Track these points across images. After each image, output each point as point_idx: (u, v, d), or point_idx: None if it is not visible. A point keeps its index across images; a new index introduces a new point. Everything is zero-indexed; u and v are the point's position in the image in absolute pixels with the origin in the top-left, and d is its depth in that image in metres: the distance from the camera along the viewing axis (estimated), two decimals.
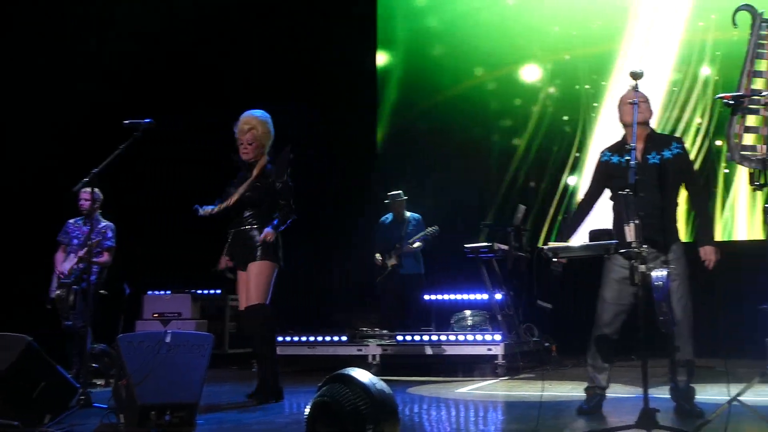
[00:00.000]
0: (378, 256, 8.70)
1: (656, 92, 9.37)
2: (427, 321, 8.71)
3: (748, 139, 4.12)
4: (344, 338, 7.89)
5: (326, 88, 10.29)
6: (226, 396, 5.76)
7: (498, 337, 7.38)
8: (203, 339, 4.45)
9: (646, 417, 3.59)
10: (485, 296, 8.29)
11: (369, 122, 10.79)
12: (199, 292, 9.33)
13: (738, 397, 3.83)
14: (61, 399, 4.47)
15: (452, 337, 7.58)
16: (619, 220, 4.41)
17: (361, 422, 3.16)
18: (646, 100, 4.60)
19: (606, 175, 4.74)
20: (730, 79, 8.86)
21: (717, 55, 9.23)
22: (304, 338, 7.95)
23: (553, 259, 4.03)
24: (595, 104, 9.75)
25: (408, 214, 8.86)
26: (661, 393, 4.59)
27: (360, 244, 9.62)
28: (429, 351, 7.60)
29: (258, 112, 5.62)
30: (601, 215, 4.84)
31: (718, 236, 9.09)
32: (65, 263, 7.11)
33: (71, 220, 7.27)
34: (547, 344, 8.22)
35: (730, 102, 4.07)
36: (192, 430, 4.14)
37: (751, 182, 4.04)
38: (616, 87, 9.42)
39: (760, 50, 4.21)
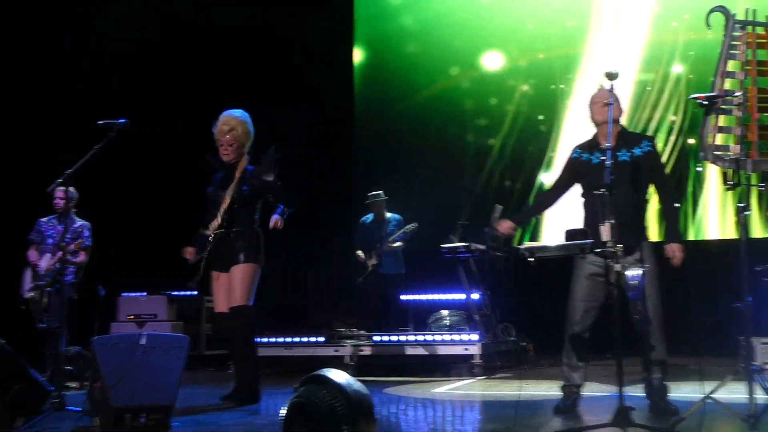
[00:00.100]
0: (360, 252, 8.70)
1: (629, 91, 9.47)
2: (405, 321, 8.71)
3: (721, 139, 4.16)
4: (321, 339, 7.88)
5: (305, 88, 10.26)
6: (203, 398, 5.72)
7: (475, 337, 7.40)
8: (179, 341, 4.42)
9: (622, 415, 3.62)
10: (462, 296, 8.31)
11: (347, 122, 10.79)
12: (175, 293, 9.26)
13: (712, 395, 3.86)
14: (34, 402, 4.42)
15: (429, 338, 7.59)
16: (591, 217, 4.45)
17: (337, 423, 3.15)
18: (617, 99, 4.63)
19: (575, 172, 4.78)
20: (704, 78, 9.03)
21: (690, 55, 9.34)
22: (281, 339, 7.92)
23: (529, 259, 4.04)
24: (569, 103, 9.81)
25: (388, 214, 8.88)
26: (636, 391, 4.62)
27: (339, 244, 9.60)
28: (406, 351, 7.60)
29: (237, 112, 5.58)
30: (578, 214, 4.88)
31: (692, 235, 9.21)
32: (41, 262, 7.02)
33: (43, 219, 7.18)
34: (524, 344, 8.25)
35: (704, 102, 4.10)
36: None
37: (725, 182, 4.08)
38: (589, 86, 9.49)
39: (732, 51, 4.26)
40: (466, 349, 7.39)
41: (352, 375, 3.45)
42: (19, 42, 9.63)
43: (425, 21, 10.67)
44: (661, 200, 4.76)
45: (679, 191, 9.25)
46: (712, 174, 9.04)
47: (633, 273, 3.95)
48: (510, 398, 5.30)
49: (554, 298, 4.74)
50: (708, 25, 4.27)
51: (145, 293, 9.12)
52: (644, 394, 4.62)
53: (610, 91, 4.19)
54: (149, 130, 7.71)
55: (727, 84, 4.19)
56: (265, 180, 5.46)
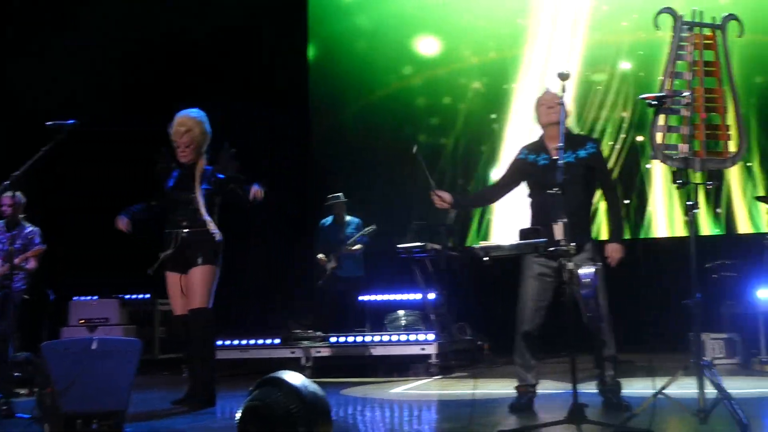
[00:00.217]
0: (321, 256, 8.67)
1: (579, 91, 9.61)
2: (362, 322, 8.71)
3: (670, 138, 4.24)
4: (277, 341, 7.83)
5: (259, 88, 10.19)
6: (157, 403, 5.64)
7: (431, 336, 7.43)
8: (131, 345, 4.36)
9: (576, 412, 3.66)
10: (418, 296, 8.33)
11: (302, 122, 10.74)
12: (127, 296, 9.13)
13: (663, 390, 3.92)
14: None
15: (386, 338, 7.59)
16: (539, 217, 4.49)
17: (292, 425, 3.13)
18: (561, 102, 4.69)
19: (521, 173, 4.83)
20: (654, 76, 9.19)
21: (639, 54, 9.51)
22: (236, 341, 7.86)
23: (484, 258, 4.06)
24: (521, 102, 9.89)
25: (348, 217, 8.87)
26: (589, 388, 4.68)
27: (296, 246, 9.55)
28: (362, 352, 7.60)
29: (193, 113, 5.49)
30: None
31: (642, 233, 9.38)
32: None
33: None
34: (479, 343, 8.31)
35: (653, 102, 4.17)
36: None
37: (674, 180, 4.15)
38: (541, 85, 9.60)
39: (680, 52, 4.34)
40: (423, 349, 7.41)
41: (309, 377, 3.43)
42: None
43: (378, 20, 10.67)
44: (605, 201, 4.84)
45: (629, 189, 9.42)
46: (661, 172, 9.21)
47: (586, 271, 3.99)
48: (466, 397, 5.32)
49: (509, 297, 4.78)
50: (656, 26, 4.34)
51: (96, 297, 8.97)
52: (597, 391, 4.68)
53: (562, 90, 4.23)
54: (99, 130, 7.58)
55: (676, 84, 4.26)
56: (226, 175, 5.42)
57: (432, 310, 7.98)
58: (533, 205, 4.77)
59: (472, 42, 10.22)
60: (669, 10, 4.38)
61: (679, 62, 4.31)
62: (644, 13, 8.91)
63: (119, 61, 10.03)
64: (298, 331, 8.02)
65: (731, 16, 4.41)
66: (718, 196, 9.17)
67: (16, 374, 6.09)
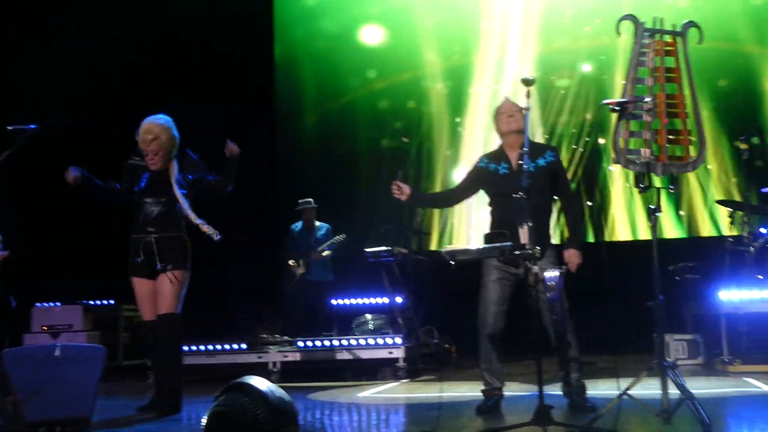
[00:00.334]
0: (292, 261, 8.67)
1: (542, 94, 9.72)
2: (330, 326, 8.70)
3: (632, 143, 4.30)
4: (244, 346, 7.79)
5: (226, 92, 10.14)
6: (122, 409, 5.58)
7: (399, 340, 7.44)
8: (95, 351, 4.33)
9: (542, 414, 3.70)
10: (386, 300, 8.34)
11: (269, 126, 10.70)
12: (91, 302, 9.01)
13: (627, 391, 3.98)
14: None
15: (353, 342, 7.59)
16: (500, 224, 4.53)
17: (259, 430, 3.12)
18: (520, 110, 4.74)
19: (480, 180, 4.88)
20: (616, 80, 9.34)
21: (602, 59, 9.65)
22: (203, 347, 7.79)
23: (450, 262, 4.09)
24: (485, 106, 9.96)
25: (318, 222, 8.89)
26: (555, 390, 4.72)
27: (263, 250, 9.51)
28: (330, 356, 7.58)
29: (160, 119, 5.42)
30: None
31: (606, 236, 9.49)
32: None
33: None
34: (446, 346, 8.34)
35: (616, 108, 4.23)
36: None
37: (636, 185, 4.21)
38: (504, 87, 9.69)
39: (642, 58, 4.40)
40: (390, 353, 7.42)
41: (276, 381, 3.43)
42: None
43: (343, 23, 10.68)
44: (564, 207, 4.89)
45: (592, 191, 9.55)
46: (624, 174, 9.34)
47: (551, 274, 4.04)
48: (433, 400, 5.34)
49: (476, 301, 4.81)
50: (618, 32, 4.40)
51: (59, 303, 8.84)
52: (562, 393, 4.73)
53: (527, 96, 4.27)
54: (60, 133, 7.49)
55: (638, 89, 4.32)
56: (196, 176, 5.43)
57: (399, 314, 8.00)
58: (493, 213, 4.82)
59: (437, 46, 10.27)
60: (631, 17, 4.44)
61: (640, 68, 4.37)
62: (607, 18, 9.05)
63: (90, 61, 9.94)
64: (265, 336, 7.99)
65: (691, 23, 4.48)
66: (679, 200, 9.33)
67: None
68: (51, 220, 9.54)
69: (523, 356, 7.17)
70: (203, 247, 5.52)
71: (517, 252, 3.86)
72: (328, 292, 8.86)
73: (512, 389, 5.37)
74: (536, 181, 4.45)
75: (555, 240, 5.14)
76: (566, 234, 5.05)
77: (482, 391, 4.83)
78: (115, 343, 8.91)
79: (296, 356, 7.64)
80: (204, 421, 3.29)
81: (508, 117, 4.77)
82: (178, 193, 5.32)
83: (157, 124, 5.38)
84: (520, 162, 4.58)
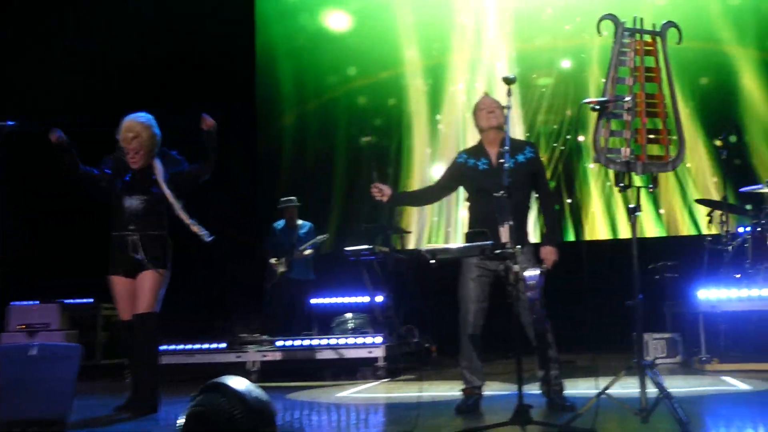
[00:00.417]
0: (273, 260, 8.64)
1: (523, 93, 9.75)
2: (309, 326, 8.68)
3: (613, 142, 4.30)
4: (223, 345, 7.74)
5: (207, 90, 10.07)
6: (99, 409, 5.52)
7: (379, 339, 7.42)
8: (71, 350, 4.29)
9: (521, 413, 3.70)
10: (366, 299, 8.32)
11: (250, 125, 10.66)
12: (69, 301, 8.93)
13: (606, 390, 3.99)
14: None
15: (333, 341, 7.57)
16: (479, 221, 4.53)
17: (237, 430, 3.10)
18: (500, 106, 4.75)
19: (460, 177, 4.88)
20: (595, 78, 9.38)
21: (582, 57, 9.69)
22: (181, 346, 7.74)
23: (431, 261, 4.08)
24: (466, 104, 9.98)
25: (300, 221, 8.86)
26: (534, 389, 4.73)
27: (243, 249, 9.47)
28: (310, 356, 7.55)
29: (141, 117, 5.36)
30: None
31: (586, 235, 9.54)
32: None
33: None
34: (427, 345, 8.34)
35: (596, 107, 4.23)
36: None
37: (617, 184, 4.22)
38: (485, 86, 9.71)
39: (622, 57, 4.40)
40: (370, 352, 7.40)
41: (255, 381, 3.41)
42: None
43: (323, 22, 10.66)
44: (541, 204, 4.90)
45: (571, 188, 9.59)
46: (604, 173, 9.39)
47: (531, 273, 4.04)
48: (412, 400, 5.34)
49: (456, 300, 4.81)
50: (599, 32, 4.41)
51: (36, 302, 8.76)
52: (541, 392, 4.73)
53: (508, 94, 4.27)
54: (37, 130, 7.41)
55: (618, 89, 4.33)
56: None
57: (379, 313, 7.98)
58: (472, 209, 4.82)
59: (417, 43, 10.27)
60: (611, 17, 4.44)
61: (621, 68, 4.38)
62: (587, 17, 9.10)
63: (75, 61, 9.86)
64: (244, 335, 7.95)
65: (670, 23, 4.49)
66: (659, 199, 9.38)
67: None
68: (29, 219, 9.45)
69: (503, 355, 7.20)
70: (183, 245, 5.49)
71: (497, 251, 3.86)
72: (310, 291, 8.85)
73: (492, 388, 5.38)
74: (516, 178, 4.45)
75: (533, 238, 5.13)
76: (544, 231, 5.05)
77: (462, 390, 4.83)
78: (93, 342, 8.85)
79: (276, 356, 7.60)
80: (181, 421, 3.26)
81: (487, 113, 4.77)
82: (168, 193, 5.27)
83: (138, 122, 5.33)
84: (501, 161, 4.59)
